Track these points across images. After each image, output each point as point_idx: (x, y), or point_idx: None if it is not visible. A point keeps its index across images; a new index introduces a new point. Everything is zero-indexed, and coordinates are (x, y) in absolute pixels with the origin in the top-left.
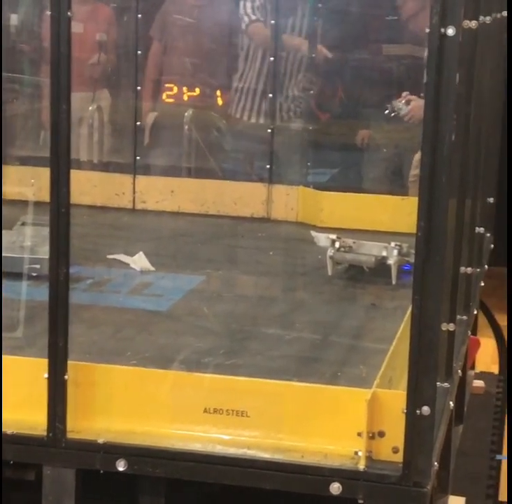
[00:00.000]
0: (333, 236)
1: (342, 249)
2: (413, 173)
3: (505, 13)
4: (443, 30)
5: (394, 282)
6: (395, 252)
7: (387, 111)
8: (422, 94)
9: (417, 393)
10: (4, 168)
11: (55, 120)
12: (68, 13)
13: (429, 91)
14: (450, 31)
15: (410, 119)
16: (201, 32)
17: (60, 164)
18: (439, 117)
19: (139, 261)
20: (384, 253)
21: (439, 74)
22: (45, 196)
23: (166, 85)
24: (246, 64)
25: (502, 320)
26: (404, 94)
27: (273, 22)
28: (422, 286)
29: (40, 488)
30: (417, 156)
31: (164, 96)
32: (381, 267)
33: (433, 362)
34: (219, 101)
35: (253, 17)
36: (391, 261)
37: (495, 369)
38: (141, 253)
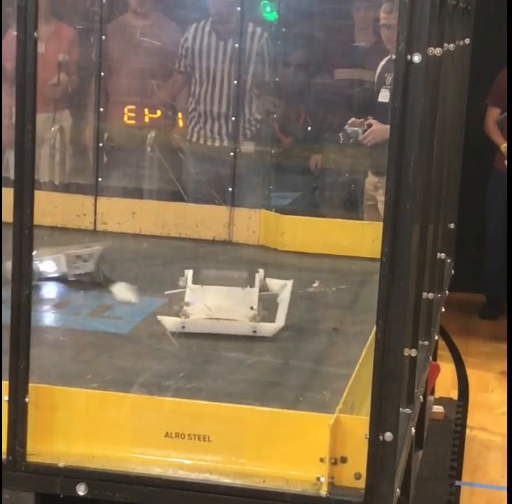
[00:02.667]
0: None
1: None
2: (367, 197)
3: (468, 41)
4: (409, 57)
5: None
6: None
7: (341, 140)
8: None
9: (381, 418)
10: None
11: (20, 141)
12: (35, 34)
13: (395, 117)
14: (416, 58)
15: (369, 142)
16: (163, 54)
17: (24, 185)
18: (404, 143)
19: (120, 291)
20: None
21: (405, 100)
22: (5, 216)
23: (128, 107)
24: (206, 86)
25: (461, 346)
26: (351, 119)
27: (237, 45)
28: (386, 311)
29: None
30: (369, 179)
31: (125, 117)
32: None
33: (396, 388)
34: (181, 124)
35: (176, 66)
36: None
37: (454, 394)
38: (122, 283)
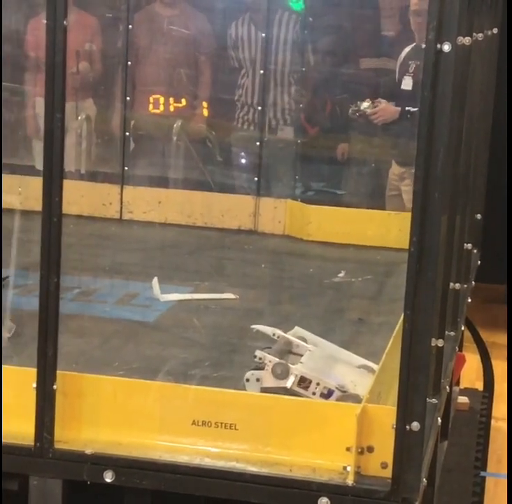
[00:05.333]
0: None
1: None
2: (391, 187)
3: (496, 30)
4: (438, 46)
5: None
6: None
7: (350, 111)
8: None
9: (408, 408)
10: None
11: (49, 129)
12: (64, 22)
13: (424, 106)
14: (446, 47)
15: (377, 119)
16: (189, 44)
17: (53, 173)
18: (433, 132)
19: (155, 286)
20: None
21: (434, 89)
22: (32, 205)
23: (154, 96)
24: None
25: (487, 337)
26: (366, 100)
27: (263, 35)
28: (414, 301)
29: (23, 498)
30: (393, 170)
31: (151, 106)
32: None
33: (423, 377)
34: (206, 113)
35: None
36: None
37: (479, 385)
38: (155, 278)
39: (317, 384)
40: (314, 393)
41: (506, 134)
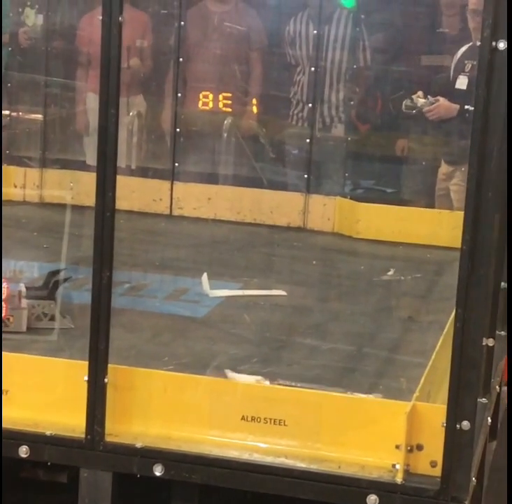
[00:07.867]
0: None
1: None
2: (440, 186)
3: None
4: (494, 43)
5: None
6: None
7: (404, 106)
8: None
9: (458, 407)
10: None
11: (103, 125)
12: (120, 18)
13: (478, 104)
14: (501, 45)
15: (433, 116)
16: (241, 40)
17: (107, 168)
18: (487, 130)
19: (204, 282)
20: None
21: (488, 87)
22: (83, 199)
23: (204, 93)
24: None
25: None
26: (419, 92)
27: (315, 32)
28: (466, 300)
29: (71, 490)
30: (442, 169)
31: (201, 103)
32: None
33: (474, 377)
34: (256, 110)
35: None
36: None
37: None
38: (205, 274)
39: None
40: None
41: None
